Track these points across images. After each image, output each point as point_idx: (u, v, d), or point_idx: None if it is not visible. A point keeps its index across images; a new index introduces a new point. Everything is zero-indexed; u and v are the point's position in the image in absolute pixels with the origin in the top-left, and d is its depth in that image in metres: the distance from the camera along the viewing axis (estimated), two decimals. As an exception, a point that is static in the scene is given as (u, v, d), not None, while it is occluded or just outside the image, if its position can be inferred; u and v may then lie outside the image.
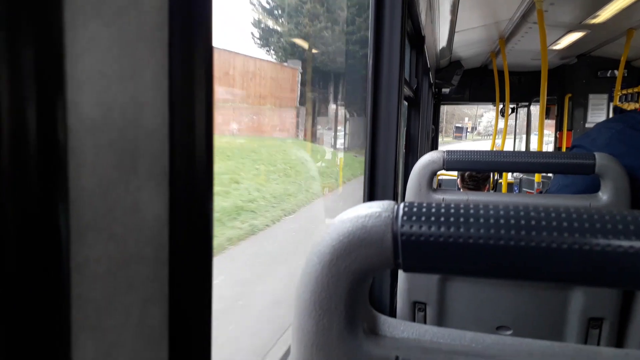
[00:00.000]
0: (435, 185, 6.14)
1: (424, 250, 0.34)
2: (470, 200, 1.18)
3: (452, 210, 0.35)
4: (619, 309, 1.10)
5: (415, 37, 2.69)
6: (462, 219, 0.34)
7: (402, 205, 0.36)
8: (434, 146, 7.01)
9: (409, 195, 1.19)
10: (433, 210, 0.35)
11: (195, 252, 0.38)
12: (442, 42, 4.17)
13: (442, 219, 0.34)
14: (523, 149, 7.54)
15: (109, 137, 0.32)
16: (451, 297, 1.21)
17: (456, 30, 3.99)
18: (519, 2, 3.56)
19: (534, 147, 7.99)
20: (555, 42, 4.61)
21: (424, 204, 0.36)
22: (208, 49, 0.38)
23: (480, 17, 4.04)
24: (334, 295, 0.38)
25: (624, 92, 5.04)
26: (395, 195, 1.50)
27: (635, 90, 4.66)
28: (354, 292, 0.38)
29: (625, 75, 4.92)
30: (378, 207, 0.37)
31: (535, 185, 5.46)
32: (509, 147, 7.44)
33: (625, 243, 0.30)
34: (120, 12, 0.32)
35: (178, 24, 0.35)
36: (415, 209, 0.35)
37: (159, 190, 0.36)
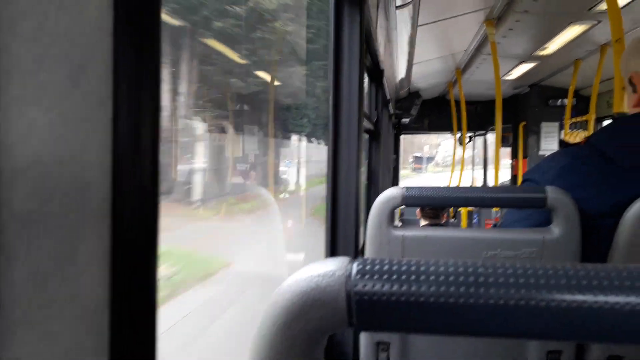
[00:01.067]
0: (397, 219, 6.24)
1: (377, 309, 0.34)
2: (429, 237, 1.18)
3: (404, 268, 0.35)
4: (575, 342, 1.11)
5: (374, 70, 2.73)
6: (413, 277, 0.34)
7: (355, 263, 0.36)
8: (395, 176, 7.12)
9: (370, 233, 1.19)
10: (386, 267, 0.35)
11: (138, 342, 0.36)
12: (401, 73, 4.27)
13: (395, 276, 0.34)
14: (482, 177, 7.74)
15: (43, 219, 0.30)
16: (414, 336, 1.21)
17: (414, 62, 4.09)
18: (474, 34, 3.70)
19: (491, 175, 8.22)
20: (508, 72, 4.80)
21: (377, 261, 0.36)
22: (156, 98, 0.36)
23: (437, 49, 4.16)
24: (290, 356, 0.37)
25: (574, 120, 5.27)
26: (356, 238, 1.50)
27: (584, 118, 4.87)
28: (310, 354, 0.37)
29: (575, 103, 5.15)
30: (332, 265, 0.36)
31: (493, 214, 5.58)
32: (468, 176, 7.62)
33: (569, 297, 0.31)
34: (63, 90, 0.31)
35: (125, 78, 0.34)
36: (368, 267, 0.35)
37: (100, 276, 0.33)
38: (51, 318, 0.31)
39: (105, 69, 0.33)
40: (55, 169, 0.31)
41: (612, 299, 0.31)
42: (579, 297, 0.31)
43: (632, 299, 0.31)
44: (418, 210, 3.79)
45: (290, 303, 0.36)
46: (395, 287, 0.34)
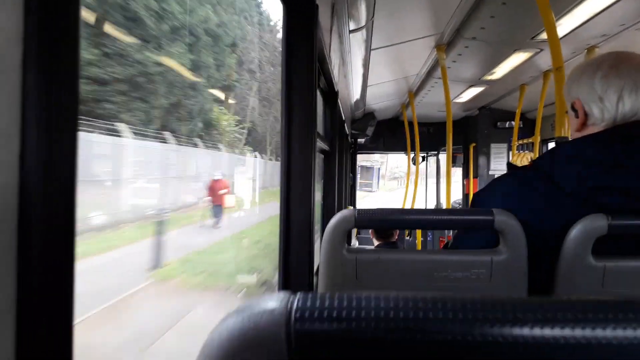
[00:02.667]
0: (354, 237, 6.22)
1: (319, 349, 0.33)
2: (382, 259, 1.19)
3: (346, 303, 0.34)
4: None
5: (329, 91, 2.76)
6: (354, 313, 0.33)
7: (296, 299, 0.35)
8: (353, 194, 7.17)
9: (324, 256, 1.18)
10: (327, 303, 0.34)
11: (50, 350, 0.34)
12: (356, 95, 4.33)
13: (335, 313, 0.33)
14: (434, 194, 7.91)
15: None
16: None
17: (369, 84, 4.17)
18: (425, 59, 3.81)
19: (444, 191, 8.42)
20: (458, 95, 4.96)
21: (319, 296, 0.35)
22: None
23: (390, 71, 4.26)
24: None
25: (520, 142, 5.49)
26: (310, 262, 1.49)
27: (530, 140, 5.08)
28: None
29: (521, 126, 5.37)
30: (272, 302, 0.35)
31: (446, 232, 5.69)
32: (421, 193, 7.76)
33: (508, 332, 0.31)
34: None
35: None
36: (309, 303, 0.34)
37: (6, 274, 0.32)
38: None
39: (12, 64, 0.32)
40: None
41: (556, 332, 0.31)
42: (519, 332, 0.31)
43: (577, 332, 0.31)
44: (371, 231, 3.82)
45: (228, 342, 0.34)
46: (335, 324, 0.33)
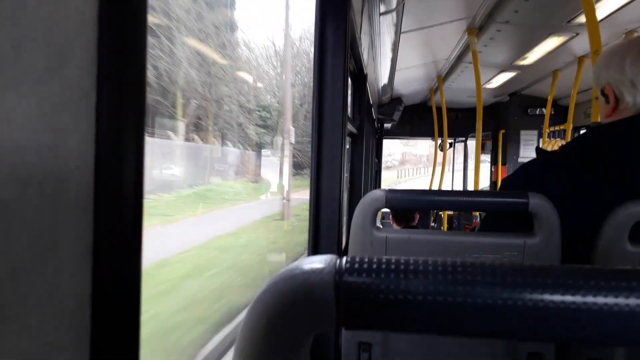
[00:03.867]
0: (378, 221, 6.25)
1: (367, 307, 0.33)
2: (412, 239, 1.19)
3: (393, 265, 0.34)
4: (555, 345, 1.14)
5: (358, 75, 2.75)
6: (402, 275, 0.33)
7: (344, 260, 0.35)
8: (378, 179, 7.15)
9: (353, 235, 1.19)
10: (374, 265, 0.34)
11: (121, 338, 0.35)
12: (384, 79, 4.30)
13: (383, 274, 0.33)
14: (460, 182, 7.83)
15: (21, 208, 0.28)
16: (396, 337, 1.21)
17: (397, 68, 4.13)
18: (455, 43, 3.75)
19: (471, 180, 8.32)
20: (488, 81, 4.87)
21: (366, 259, 0.35)
22: (141, 92, 0.35)
23: (419, 56, 4.21)
24: (276, 355, 0.36)
25: (552, 129, 5.37)
26: (339, 239, 1.50)
27: (562, 127, 4.97)
28: (297, 352, 0.36)
29: (553, 113, 5.25)
30: (319, 263, 0.35)
31: (473, 218, 5.64)
32: (447, 180, 7.69)
33: (554, 298, 0.31)
34: (43, 78, 0.29)
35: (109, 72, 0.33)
36: (357, 265, 0.34)
37: (82, 270, 0.32)
38: (29, 312, 0.29)
39: (89, 57, 0.32)
40: (34, 158, 0.30)
41: (599, 300, 0.31)
42: (564, 298, 0.31)
43: (612, 300, 0.31)
44: (392, 216, 3.81)
45: (278, 300, 0.35)
46: (384, 284, 0.33)
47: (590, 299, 0.31)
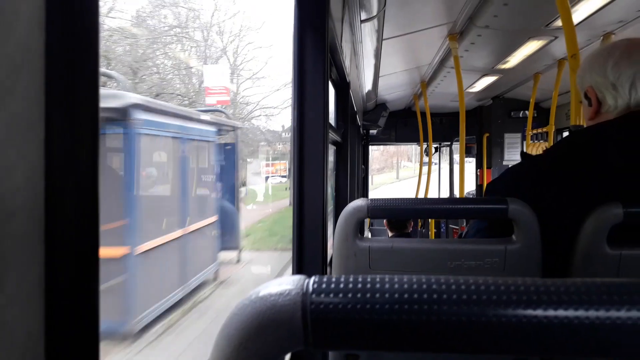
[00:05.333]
0: (366, 229, 6.21)
1: (334, 328, 0.33)
2: (395, 248, 1.19)
3: (360, 285, 0.34)
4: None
5: (340, 82, 2.75)
6: (369, 294, 0.34)
7: (312, 280, 0.35)
8: (365, 186, 7.16)
9: (337, 246, 1.19)
10: (342, 285, 0.34)
11: None
12: (368, 85, 4.31)
13: (350, 294, 0.34)
14: (447, 186, 7.87)
15: None
16: None
17: (380, 74, 4.14)
18: (437, 48, 3.77)
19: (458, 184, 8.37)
20: (471, 85, 4.91)
21: (333, 279, 0.35)
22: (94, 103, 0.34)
23: (402, 62, 4.23)
24: None
25: (535, 131, 5.42)
26: (324, 252, 1.49)
27: (544, 129, 5.02)
28: None
29: (535, 115, 5.31)
30: (287, 284, 0.36)
31: (459, 222, 5.67)
32: (434, 185, 7.73)
33: (523, 312, 0.31)
34: None
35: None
36: (324, 285, 0.35)
37: (33, 306, 0.31)
38: None
39: (36, 88, 0.32)
40: None
41: (569, 313, 0.31)
42: (533, 312, 0.31)
43: (591, 314, 0.31)
44: (385, 221, 3.83)
45: (246, 324, 0.35)
46: (351, 304, 0.33)
47: (551, 312, 0.31)
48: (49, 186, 0.32)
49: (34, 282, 0.32)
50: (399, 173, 42.34)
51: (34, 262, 0.32)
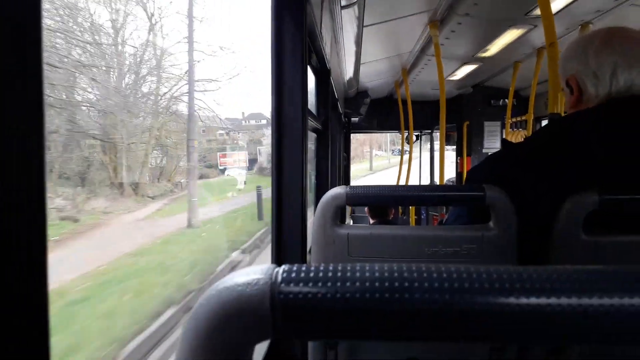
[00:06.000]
0: (348, 216, 6.23)
1: (304, 317, 0.33)
2: (373, 235, 1.19)
3: (330, 273, 0.34)
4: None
5: (321, 69, 2.73)
6: (339, 283, 0.33)
7: (281, 269, 0.35)
8: (347, 174, 7.17)
9: (315, 233, 1.19)
10: (312, 274, 0.34)
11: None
12: (349, 73, 4.29)
13: (320, 283, 0.33)
14: (427, 174, 7.93)
15: None
16: None
17: (362, 62, 4.13)
18: (418, 36, 3.77)
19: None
20: (452, 73, 4.93)
21: (303, 267, 0.35)
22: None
23: (383, 49, 4.22)
24: None
25: (514, 119, 5.48)
26: (303, 240, 1.49)
27: (524, 118, 5.08)
28: None
29: (515, 104, 5.36)
30: (255, 274, 0.35)
31: (439, 209, 5.73)
32: (414, 172, 7.78)
33: (492, 300, 0.31)
34: None
35: None
36: (294, 274, 0.34)
37: None
38: None
39: None
40: None
41: (542, 301, 0.31)
42: (505, 300, 0.31)
43: (563, 301, 0.31)
44: (367, 208, 3.85)
45: (214, 314, 0.34)
46: (321, 293, 0.33)
47: (523, 300, 0.31)
48: None
49: None
50: (372, 164, 38.45)
51: None
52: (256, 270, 0.35)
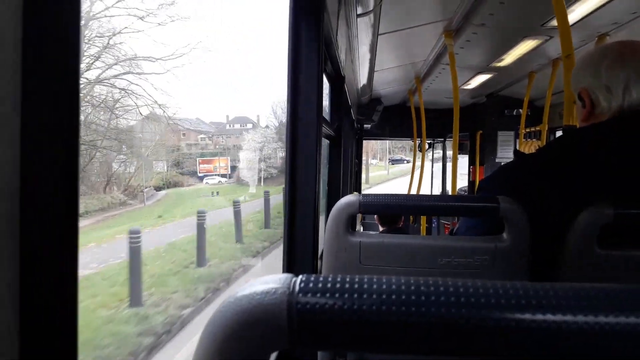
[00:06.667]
0: (358, 223, 6.20)
1: (320, 327, 0.33)
2: (385, 244, 1.19)
3: (347, 285, 0.34)
4: None
5: (335, 76, 2.75)
6: (355, 295, 0.33)
7: (299, 279, 0.35)
8: (358, 180, 7.17)
9: (328, 241, 1.19)
10: (329, 285, 0.34)
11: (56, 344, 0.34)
12: (363, 80, 4.30)
13: (337, 294, 0.34)
14: (440, 183, 7.89)
15: None
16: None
17: (375, 69, 4.14)
18: (432, 45, 3.77)
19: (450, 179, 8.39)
20: (466, 82, 4.92)
21: (320, 278, 0.35)
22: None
23: (397, 57, 4.23)
24: None
25: (528, 130, 5.45)
26: (315, 246, 1.49)
27: (538, 128, 5.05)
28: None
29: (529, 114, 5.33)
30: (274, 283, 0.35)
31: (451, 218, 5.69)
32: (426, 181, 7.75)
33: (510, 316, 0.31)
34: None
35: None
36: (311, 284, 0.34)
37: (7, 279, 0.31)
38: None
39: (13, 58, 0.31)
40: None
41: (557, 318, 0.31)
42: (520, 316, 0.31)
43: (579, 319, 0.31)
44: (376, 216, 3.84)
45: (231, 322, 0.35)
46: (338, 304, 0.33)
47: (539, 316, 0.31)
48: (25, 183, 0.32)
49: (7, 282, 0.32)
50: (368, 175, 30.30)
51: (8, 262, 0.32)
52: (274, 279, 0.36)
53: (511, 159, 1.29)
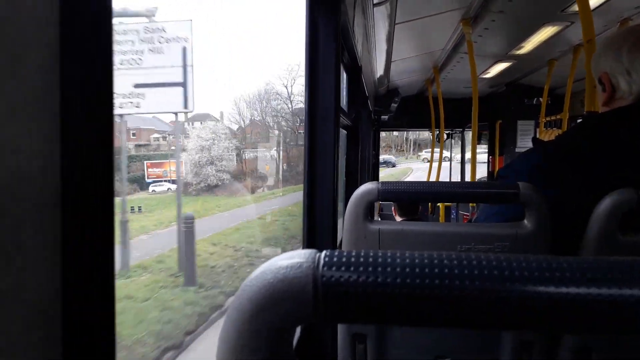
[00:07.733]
0: (376, 214, 6.19)
1: (345, 300, 0.34)
2: (405, 231, 1.20)
3: (372, 259, 0.35)
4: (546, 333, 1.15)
5: (352, 66, 2.74)
6: (380, 268, 0.34)
7: (323, 254, 0.36)
8: (375, 171, 7.15)
9: (347, 228, 1.20)
10: (353, 259, 0.35)
11: (95, 335, 0.35)
12: (380, 70, 4.28)
13: (362, 267, 0.34)
14: (459, 171, 7.83)
15: None
16: (390, 327, 1.21)
17: (393, 59, 4.11)
18: (450, 33, 3.73)
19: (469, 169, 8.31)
20: (484, 71, 4.86)
21: (345, 252, 0.35)
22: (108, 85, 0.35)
23: (414, 47, 4.19)
24: (257, 351, 0.36)
25: (548, 119, 5.37)
26: (334, 232, 1.50)
27: (558, 117, 4.97)
28: (278, 347, 0.37)
29: (549, 102, 5.24)
30: (299, 258, 0.36)
31: (470, 209, 5.66)
32: (445, 171, 7.70)
33: (532, 289, 0.32)
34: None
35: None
36: (335, 259, 0.35)
37: (51, 270, 0.32)
38: None
39: (50, 56, 0.32)
40: None
41: (581, 290, 0.31)
42: (544, 289, 0.32)
43: (604, 291, 0.31)
44: (393, 207, 3.83)
45: (257, 295, 0.35)
46: (362, 278, 0.34)
47: (567, 289, 0.32)
48: (65, 153, 0.33)
49: (51, 249, 0.33)
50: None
51: (52, 229, 0.33)
52: (299, 254, 0.36)
53: (530, 147, 1.28)
